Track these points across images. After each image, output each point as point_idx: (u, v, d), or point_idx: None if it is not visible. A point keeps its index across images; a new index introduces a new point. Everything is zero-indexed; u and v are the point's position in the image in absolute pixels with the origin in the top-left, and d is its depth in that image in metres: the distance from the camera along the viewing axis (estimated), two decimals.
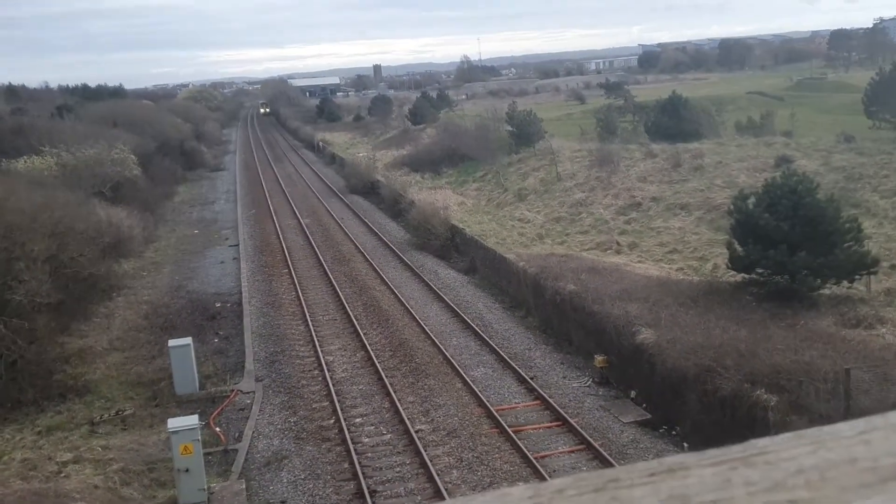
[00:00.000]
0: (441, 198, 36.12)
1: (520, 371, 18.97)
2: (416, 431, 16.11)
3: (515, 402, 17.64)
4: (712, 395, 14.90)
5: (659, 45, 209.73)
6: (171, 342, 18.99)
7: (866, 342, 15.89)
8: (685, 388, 15.73)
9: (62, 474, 14.58)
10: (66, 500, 13.00)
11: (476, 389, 17.93)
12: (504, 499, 0.62)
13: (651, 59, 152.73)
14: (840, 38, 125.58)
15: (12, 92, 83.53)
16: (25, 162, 37.80)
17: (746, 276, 19.99)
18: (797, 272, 18.48)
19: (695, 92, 58.97)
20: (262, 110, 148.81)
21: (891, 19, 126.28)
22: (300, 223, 39.21)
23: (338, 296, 26.04)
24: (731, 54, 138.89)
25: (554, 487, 0.62)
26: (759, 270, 19.44)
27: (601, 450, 14.91)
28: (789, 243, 18.33)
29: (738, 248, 19.72)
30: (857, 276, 18.71)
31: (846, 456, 0.60)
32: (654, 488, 0.59)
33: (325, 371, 19.63)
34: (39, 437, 16.54)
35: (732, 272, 20.35)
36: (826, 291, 18.96)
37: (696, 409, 15.33)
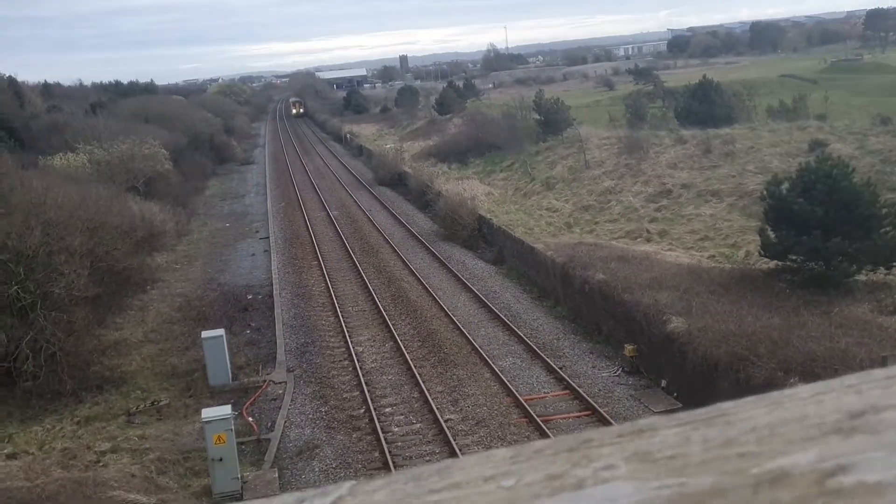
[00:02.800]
0: (468, 188, 36.08)
1: (548, 361, 18.93)
2: (446, 421, 16.19)
3: (544, 392, 17.62)
4: (745, 384, 14.70)
5: (689, 29, 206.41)
6: (204, 334, 19.31)
7: None
8: (717, 377, 15.55)
9: (101, 463, 14.95)
10: (104, 488, 13.34)
11: (505, 379, 17.94)
12: (489, 458, 0.66)
13: (681, 44, 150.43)
14: (876, 18, 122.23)
15: (48, 90, 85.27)
16: (61, 159, 38.66)
17: (780, 262, 19.65)
18: (832, 258, 18.12)
19: (726, 76, 58.00)
20: (293, 110, 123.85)
21: None
22: (329, 215, 39.50)
23: (366, 287, 26.21)
24: (762, 37, 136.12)
25: (534, 448, 0.67)
26: (793, 257, 19.10)
27: None
28: (824, 229, 17.96)
29: (771, 234, 19.39)
30: (894, 263, 18.27)
31: (798, 414, 0.64)
32: (621, 447, 0.64)
33: (355, 361, 19.80)
34: (78, 427, 16.98)
35: (765, 259, 20.02)
36: (862, 278, 18.56)
37: (729, 398, 15.07)
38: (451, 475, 0.61)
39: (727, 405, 0.68)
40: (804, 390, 0.67)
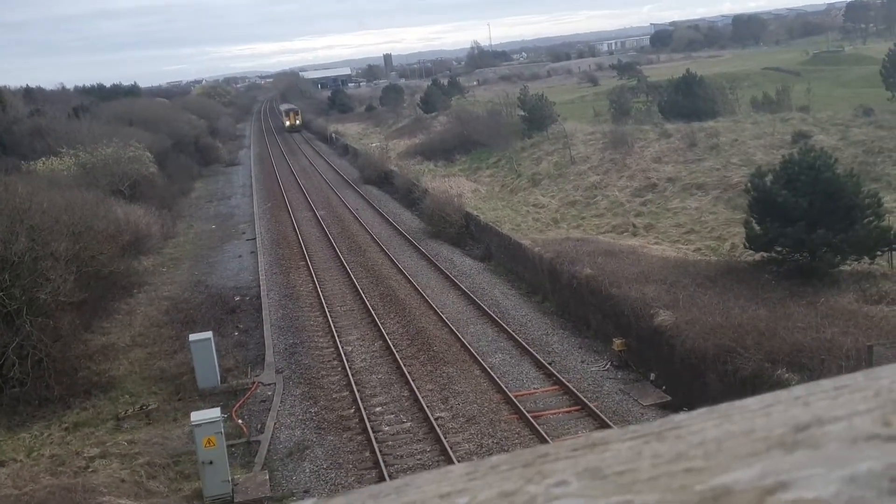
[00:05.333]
0: (455, 185, 36.09)
1: (538, 356, 18.99)
2: (436, 419, 16.20)
3: (534, 388, 17.67)
4: (733, 376, 14.82)
5: (671, 23, 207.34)
6: (192, 337, 19.21)
7: (888, 318, 15.70)
8: (705, 369, 15.66)
9: (90, 469, 14.86)
10: (94, 494, 13.26)
11: (494, 376, 17.98)
12: (446, 475, 0.67)
13: (663, 38, 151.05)
14: (857, 9, 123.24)
15: (29, 94, 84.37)
16: (44, 163, 38.31)
17: (765, 254, 19.80)
18: (817, 249, 18.27)
19: (709, 70, 58.28)
20: (286, 122, 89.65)
21: None
22: (315, 215, 39.38)
23: (354, 286, 26.17)
24: (745, 30, 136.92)
25: (490, 464, 0.68)
26: (778, 248, 19.25)
27: None
28: (808, 220, 18.11)
29: (756, 226, 19.52)
30: (878, 252, 18.46)
31: (746, 427, 0.65)
32: (574, 462, 0.64)
33: (345, 361, 19.77)
34: (67, 433, 16.85)
35: (750, 251, 20.17)
36: (847, 268, 18.73)
37: (717, 390, 15.25)
38: (408, 493, 0.62)
39: (680, 417, 0.69)
40: (754, 402, 0.68)
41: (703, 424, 0.67)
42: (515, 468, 0.63)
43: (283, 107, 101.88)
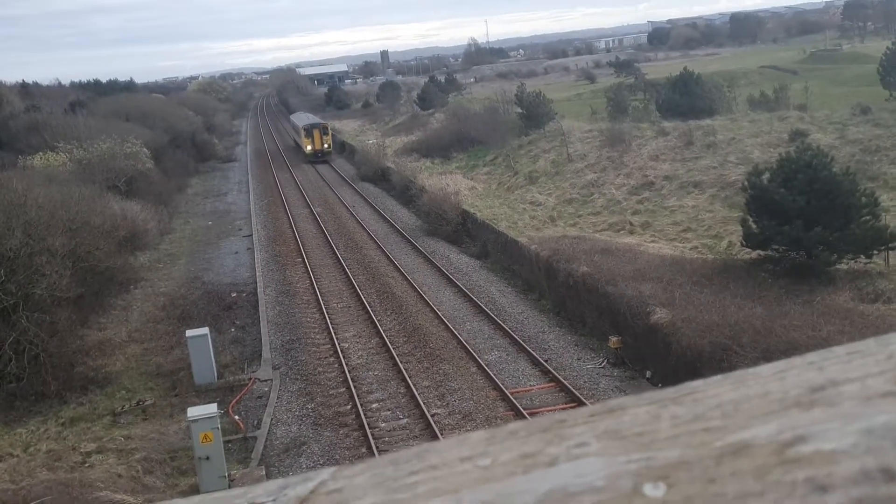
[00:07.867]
0: (451, 183, 36.08)
1: (534, 354, 19.02)
2: (432, 416, 16.23)
3: (530, 385, 17.71)
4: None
5: (668, 21, 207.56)
6: (189, 332, 19.19)
7: (884, 316, 15.79)
8: (701, 367, 15.69)
9: (86, 464, 14.86)
10: (90, 489, 13.25)
11: (491, 373, 18.01)
12: (466, 441, 0.69)
13: (661, 36, 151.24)
14: (855, 8, 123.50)
15: (25, 89, 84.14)
16: (41, 158, 38.22)
17: (762, 252, 19.86)
18: (813, 247, 18.34)
19: (706, 68, 58.35)
20: (307, 146, 56.82)
21: None
22: (312, 212, 39.35)
23: (351, 283, 26.17)
24: (742, 28, 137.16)
25: (508, 430, 0.70)
26: (775, 247, 19.31)
27: None
28: (805, 218, 18.17)
29: (753, 224, 19.58)
30: (874, 251, 18.53)
31: (761, 390, 0.67)
32: (592, 426, 0.66)
33: (341, 358, 19.78)
34: (63, 428, 16.84)
35: (747, 249, 20.22)
36: (843, 266, 18.80)
37: None
38: (429, 458, 0.63)
39: (696, 384, 0.71)
40: (767, 368, 0.70)
41: (719, 389, 0.68)
42: (534, 433, 0.65)
43: (300, 120, 61.72)
